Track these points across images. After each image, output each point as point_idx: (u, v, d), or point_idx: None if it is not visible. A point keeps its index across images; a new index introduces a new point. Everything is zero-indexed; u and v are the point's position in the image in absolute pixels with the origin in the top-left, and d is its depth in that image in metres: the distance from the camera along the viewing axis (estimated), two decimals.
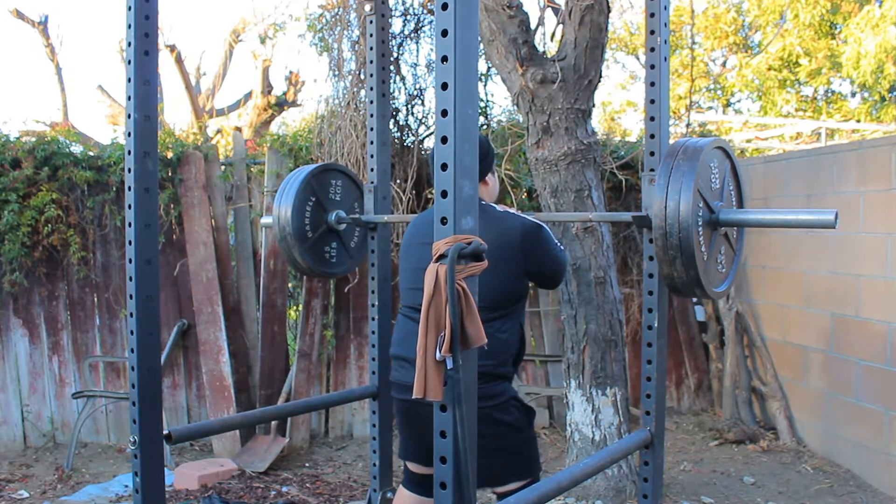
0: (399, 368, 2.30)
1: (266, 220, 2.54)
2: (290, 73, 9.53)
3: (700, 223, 1.64)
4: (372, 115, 2.49)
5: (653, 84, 2.01)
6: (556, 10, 3.96)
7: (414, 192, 4.74)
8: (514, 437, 2.23)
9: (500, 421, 2.16)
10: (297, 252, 2.42)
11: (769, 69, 11.72)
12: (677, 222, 1.59)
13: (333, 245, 2.56)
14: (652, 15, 2.02)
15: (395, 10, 4.88)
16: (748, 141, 9.24)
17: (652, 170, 1.98)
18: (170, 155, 4.70)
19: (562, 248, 2.31)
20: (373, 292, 2.53)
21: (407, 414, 2.30)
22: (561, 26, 3.69)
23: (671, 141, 1.91)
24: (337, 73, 4.82)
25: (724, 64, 13.18)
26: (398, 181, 4.70)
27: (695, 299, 5.53)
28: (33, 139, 4.71)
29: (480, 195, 2.27)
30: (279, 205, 2.41)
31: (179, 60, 9.51)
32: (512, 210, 2.27)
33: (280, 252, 2.56)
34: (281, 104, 9.44)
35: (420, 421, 2.22)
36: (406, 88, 4.93)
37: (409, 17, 4.91)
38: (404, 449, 2.40)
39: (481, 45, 3.69)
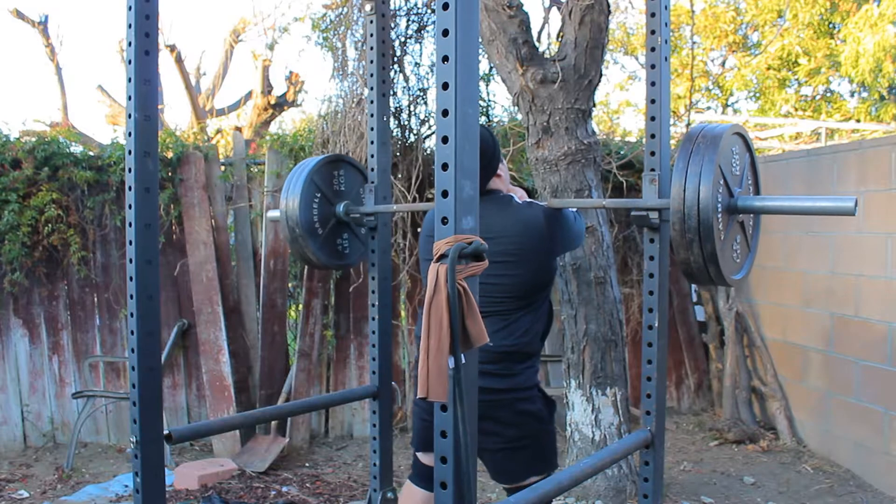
0: None
1: (273, 213, 2.49)
2: (290, 73, 9.53)
3: (720, 207, 1.62)
4: (372, 115, 2.49)
5: (653, 84, 2.01)
6: (560, 10, 3.96)
7: (417, 191, 4.74)
8: (537, 429, 2.18)
9: (524, 411, 2.13)
10: (310, 250, 2.38)
11: (769, 69, 11.72)
12: (697, 203, 1.56)
13: (345, 236, 2.53)
14: (652, 15, 2.01)
15: (400, 10, 4.89)
16: None
17: (653, 169, 1.97)
18: (170, 155, 4.70)
19: (575, 213, 2.30)
20: (373, 292, 2.53)
21: (427, 406, 2.28)
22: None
23: (672, 141, 1.90)
24: (341, 72, 4.83)
25: (723, 63, 13.18)
26: (401, 180, 4.70)
27: (695, 298, 5.53)
28: (33, 139, 4.71)
29: (498, 187, 2.27)
30: (285, 205, 2.36)
31: (179, 60, 9.52)
32: (530, 200, 2.26)
33: (293, 252, 2.52)
34: (281, 104, 9.44)
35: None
36: (409, 88, 4.94)
37: (412, 17, 4.92)
38: (420, 439, 2.38)
39: (481, 45, 3.69)
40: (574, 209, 2.32)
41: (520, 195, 2.30)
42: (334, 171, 2.51)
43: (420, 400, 2.34)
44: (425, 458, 2.38)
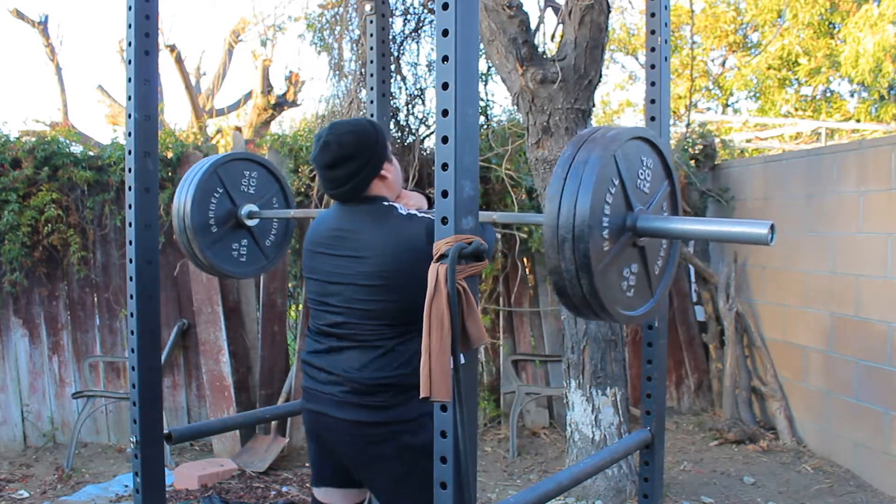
0: (306, 375, 1.99)
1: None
2: (290, 73, 9.53)
3: (608, 210, 1.34)
4: (372, 115, 2.49)
5: (653, 84, 2.01)
6: (556, 10, 3.97)
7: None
8: (422, 464, 1.74)
9: (407, 445, 1.84)
10: (196, 247, 2.19)
11: (769, 68, 11.73)
12: (576, 193, 1.29)
13: (244, 242, 2.35)
14: (652, 15, 2.02)
15: (396, 9, 4.88)
16: (748, 141, 9.24)
17: None
18: (170, 155, 4.69)
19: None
20: None
21: (313, 428, 1.95)
22: (561, 26, 3.70)
23: (672, 141, 1.90)
24: (337, 72, 4.82)
25: (723, 63, 13.19)
26: None
27: (694, 298, 5.53)
28: (33, 139, 4.71)
29: (380, 192, 1.91)
30: (179, 194, 2.19)
31: (179, 60, 9.51)
32: (415, 211, 1.91)
33: (180, 246, 2.28)
34: (281, 104, 9.44)
35: (328, 435, 1.92)
36: (407, 88, 4.93)
37: (409, 16, 4.91)
38: (315, 472, 2.04)
39: (481, 45, 3.69)
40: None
41: (414, 203, 2.01)
42: (245, 170, 2.36)
43: (307, 420, 1.97)
44: (322, 494, 2.01)
